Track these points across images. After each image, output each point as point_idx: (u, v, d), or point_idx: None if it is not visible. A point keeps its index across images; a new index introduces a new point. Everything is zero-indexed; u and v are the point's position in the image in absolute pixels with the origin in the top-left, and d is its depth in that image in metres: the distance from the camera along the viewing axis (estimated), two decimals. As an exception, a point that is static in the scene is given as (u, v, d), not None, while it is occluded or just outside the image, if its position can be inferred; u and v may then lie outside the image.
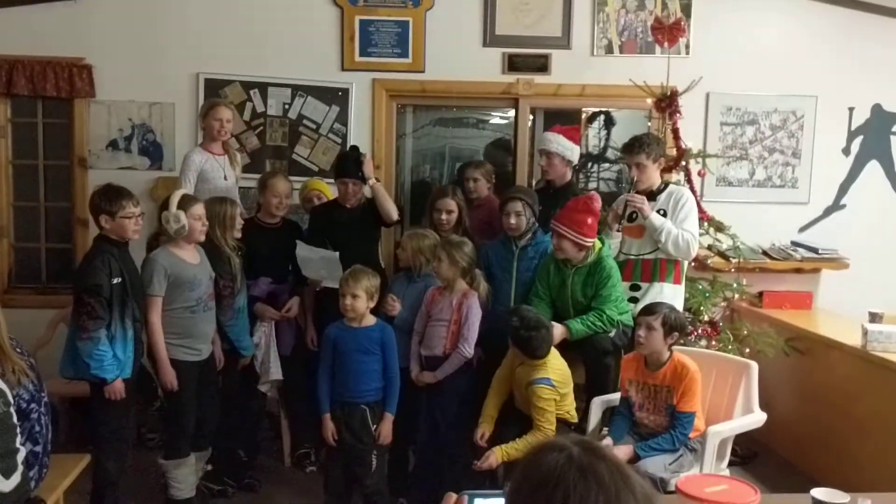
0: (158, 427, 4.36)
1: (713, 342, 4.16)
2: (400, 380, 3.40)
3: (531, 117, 5.22)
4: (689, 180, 4.40)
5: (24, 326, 3.75)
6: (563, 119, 5.07)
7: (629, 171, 4.02)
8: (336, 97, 4.97)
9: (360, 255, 3.73)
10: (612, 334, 3.57)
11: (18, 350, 2.61)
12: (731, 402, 3.36)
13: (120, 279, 3.15)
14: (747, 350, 4.15)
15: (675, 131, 4.40)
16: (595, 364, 3.58)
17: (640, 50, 5.01)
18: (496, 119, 6.15)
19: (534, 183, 5.06)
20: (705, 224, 4.37)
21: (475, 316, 3.52)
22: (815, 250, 4.99)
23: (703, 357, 3.50)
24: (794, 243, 5.10)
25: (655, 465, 3.03)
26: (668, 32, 4.34)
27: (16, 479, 2.28)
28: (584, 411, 3.50)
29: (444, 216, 4.00)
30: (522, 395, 3.36)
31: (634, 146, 3.89)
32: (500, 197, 4.11)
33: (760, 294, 4.83)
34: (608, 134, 5.59)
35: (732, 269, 4.55)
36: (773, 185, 5.19)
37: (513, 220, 3.82)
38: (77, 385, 3.47)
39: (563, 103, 5.20)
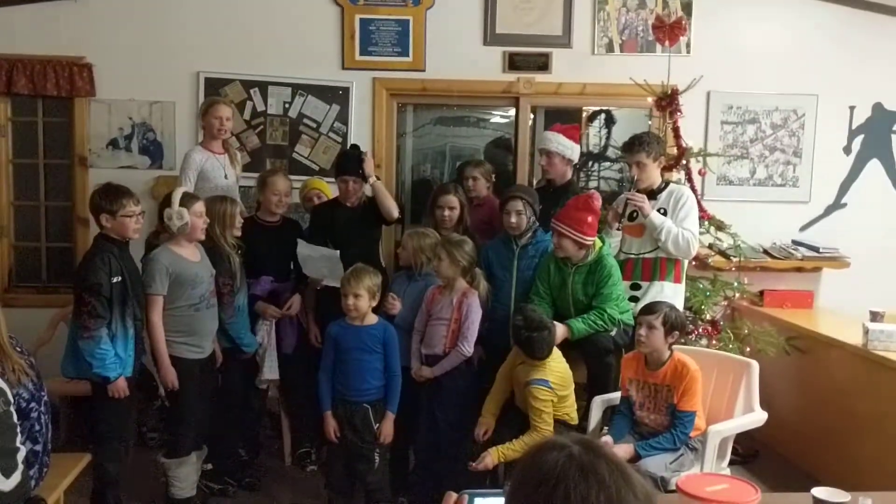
0: (159, 426, 4.36)
1: (714, 341, 4.16)
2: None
3: (532, 116, 5.22)
4: (689, 179, 4.40)
5: (25, 325, 3.77)
6: (564, 118, 5.07)
7: (629, 169, 4.01)
8: (336, 96, 4.97)
9: (360, 253, 3.74)
10: (613, 333, 3.57)
11: (18, 349, 2.61)
12: (731, 402, 3.36)
13: (120, 278, 3.15)
14: (748, 349, 4.15)
15: (676, 130, 4.40)
16: (596, 363, 3.58)
17: (640, 49, 5.00)
18: (497, 118, 6.15)
19: (534, 182, 5.05)
20: (706, 223, 4.37)
21: (475, 315, 3.52)
22: (815, 249, 4.99)
23: (704, 356, 3.50)
24: (795, 242, 5.09)
25: (656, 464, 3.03)
26: (669, 31, 4.34)
27: (16, 478, 2.28)
28: (584, 410, 3.50)
29: (446, 212, 4.00)
30: (521, 394, 3.36)
31: (635, 145, 3.89)
32: (501, 196, 4.11)
33: (761, 293, 4.83)
34: (609, 133, 5.59)
35: (733, 268, 4.56)
36: (773, 183, 5.19)
37: (513, 219, 3.81)
38: (77, 384, 3.47)
39: (564, 102, 5.20)
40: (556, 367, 3.32)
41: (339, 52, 4.95)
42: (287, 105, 4.96)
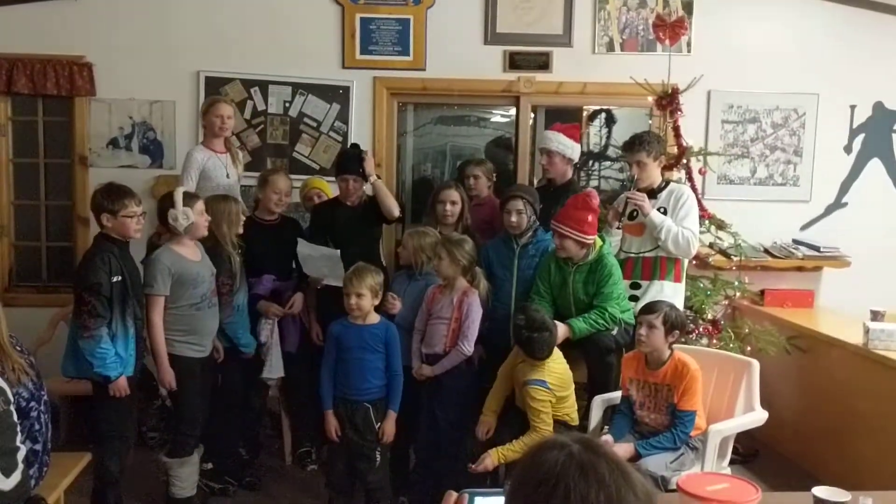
0: (160, 425, 4.36)
1: (714, 340, 4.16)
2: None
3: (532, 115, 5.22)
4: (690, 178, 4.40)
5: (25, 325, 3.76)
6: (565, 117, 5.06)
7: (630, 169, 4.01)
8: (337, 95, 4.97)
9: (361, 252, 3.73)
10: (614, 332, 3.56)
11: (18, 348, 2.61)
12: (732, 401, 3.36)
13: (120, 277, 3.16)
14: (748, 348, 4.15)
15: (677, 129, 4.39)
16: (597, 362, 3.57)
17: (641, 48, 5.00)
18: (497, 117, 6.14)
19: (535, 181, 5.05)
20: (707, 222, 4.37)
21: (475, 314, 3.52)
22: (816, 248, 4.98)
23: (705, 355, 3.50)
24: (796, 241, 5.09)
25: (656, 463, 3.03)
26: (670, 30, 4.33)
27: (16, 477, 2.28)
28: (585, 410, 3.50)
29: (447, 207, 3.99)
30: (520, 393, 3.36)
31: (635, 144, 3.88)
32: (501, 195, 4.10)
33: (762, 292, 4.83)
34: (609, 132, 5.59)
35: (734, 268, 4.55)
36: (774, 183, 5.18)
37: (514, 219, 3.81)
38: (77, 383, 3.47)
39: (565, 101, 5.20)
40: (556, 368, 3.32)
41: (339, 52, 4.95)
42: (287, 104, 4.96)
